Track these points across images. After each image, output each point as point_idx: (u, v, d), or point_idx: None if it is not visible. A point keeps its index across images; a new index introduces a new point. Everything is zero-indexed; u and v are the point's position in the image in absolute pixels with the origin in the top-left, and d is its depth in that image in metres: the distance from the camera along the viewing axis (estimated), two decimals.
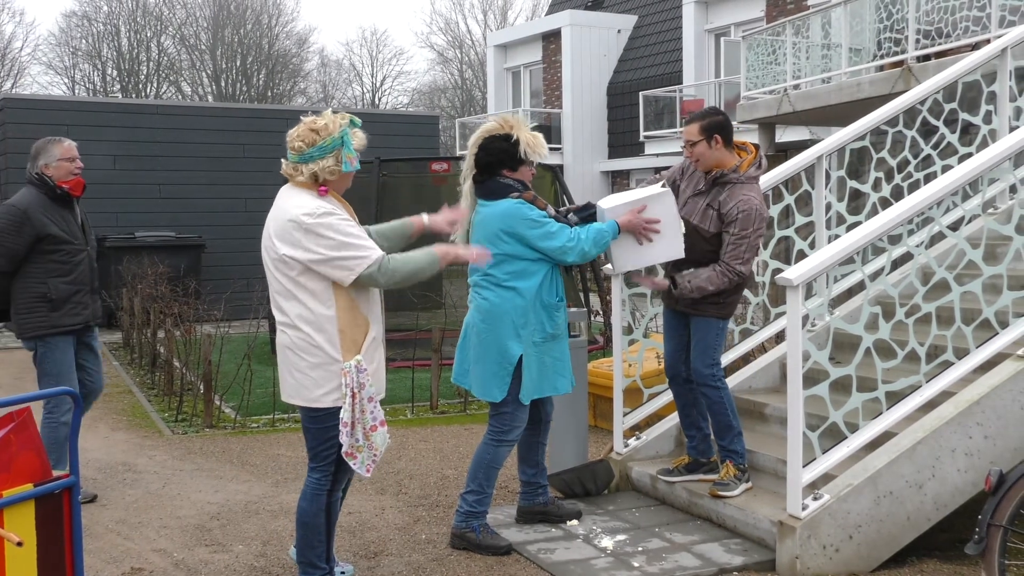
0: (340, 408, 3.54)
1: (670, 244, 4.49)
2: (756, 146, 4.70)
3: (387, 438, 3.63)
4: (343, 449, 3.57)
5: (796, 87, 12.43)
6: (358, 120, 3.66)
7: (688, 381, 4.86)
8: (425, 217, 3.95)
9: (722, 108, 19.83)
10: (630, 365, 5.78)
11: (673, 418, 5.38)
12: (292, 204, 3.55)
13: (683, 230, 4.53)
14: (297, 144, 3.58)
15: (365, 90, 48.32)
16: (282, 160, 3.67)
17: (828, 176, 5.80)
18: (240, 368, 7.88)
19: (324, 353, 3.54)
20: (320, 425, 3.62)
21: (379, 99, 47.64)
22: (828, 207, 5.85)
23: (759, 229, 4.52)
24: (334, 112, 3.65)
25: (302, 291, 3.53)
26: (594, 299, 11.02)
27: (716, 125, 4.57)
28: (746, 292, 5.65)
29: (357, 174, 3.76)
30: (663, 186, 4.64)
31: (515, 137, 4.30)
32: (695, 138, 4.58)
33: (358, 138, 3.63)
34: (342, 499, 3.89)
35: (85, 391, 5.46)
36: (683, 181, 4.84)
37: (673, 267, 4.71)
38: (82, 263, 5.22)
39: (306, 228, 3.47)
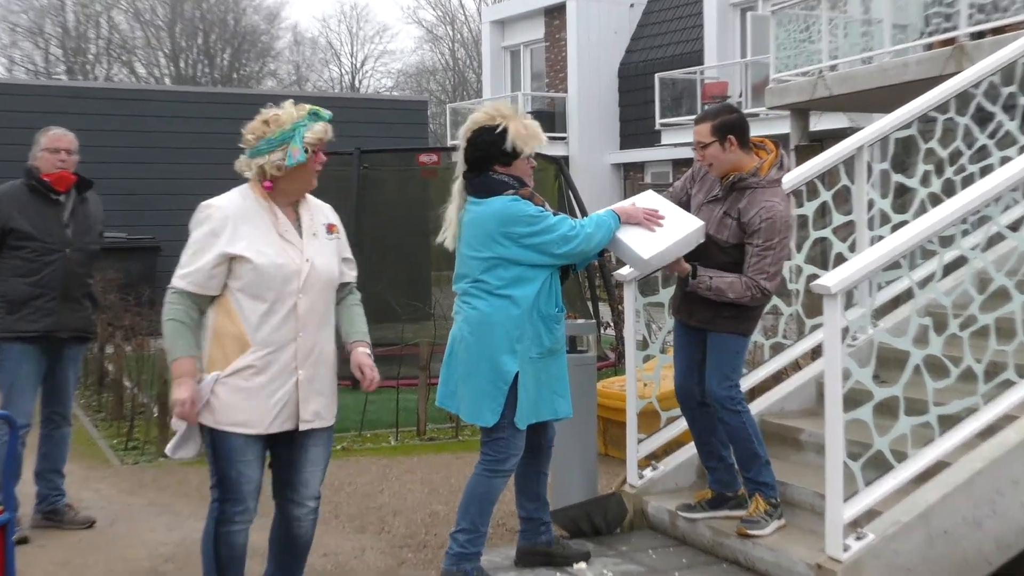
0: (209, 428, 3.67)
1: (684, 220, 4.54)
2: (776, 144, 4.71)
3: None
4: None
5: (833, 68, 12.43)
6: (326, 113, 3.73)
7: (703, 404, 4.85)
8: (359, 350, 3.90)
9: (749, 92, 20.01)
10: (645, 385, 5.76)
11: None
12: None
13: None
14: (248, 137, 3.72)
15: (344, 72, 48.46)
16: (241, 156, 3.78)
17: (870, 169, 5.80)
18: None
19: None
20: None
21: (360, 82, 47.76)
22: (870, 204, 5.84)
23: (785, 238, 4.56)
24: (296, 103, 3.74)
25: None
26: (604, 309, 11.00)
27: (729, 125, 4.58)
28: (777, 301, 5.64)
29: (334, 167, 3.78)
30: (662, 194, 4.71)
31: (501, 127, 4.30)
32: (706, 139, 4.60)
33: (315, 132, 3.69)
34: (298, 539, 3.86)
35: (46, 412, 5.49)
36: (695, 186, 4.86)
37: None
38: (53, 264, 5.27)
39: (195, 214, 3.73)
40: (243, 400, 3.63)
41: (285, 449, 3.78)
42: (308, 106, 3.74)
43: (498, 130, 4.32)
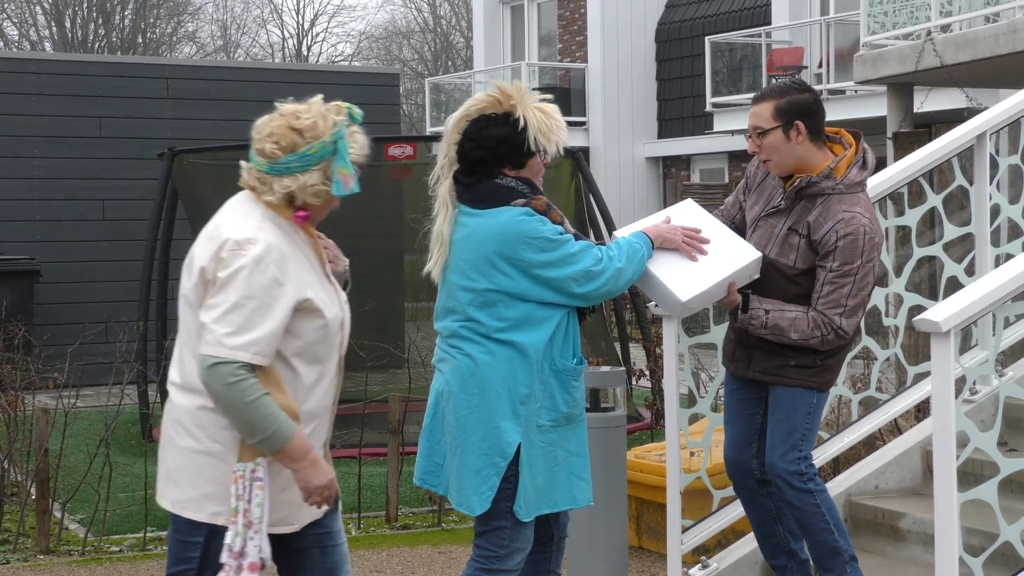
0: (220, 527, 3.56)
1: (735, 248, 4.57)
2: (856, 135, 4.75)
3: None
4: None
5: (946, 28, 12.48)
6: (358, 113, 3.72)
7: (763, 483, 4.88)
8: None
9: (831, 61, 20.03)
10: (693, 454, 5.77)
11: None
12: (230, 218, 3.63)
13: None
14: (269, 147, 3.61)
15: (287, 35, 48.65)
16: (241, 163, 3.72)
17: (995, 164, 5.81)
18: (94, 461, 7.86)
19: (209, 438, 3.59)
20: (183, 537, 3.65)
21: (309, 48, 47.95)
22: (995, 212, 5.87)
23: (870, 261, 4.57)
24: (325, 102, 3.68)
25: None
26: (636, 352, 11.01)
27: (799, 106, 4.62)
28: (870, 343, 5.67)
29: None
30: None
31: (519, 118, 4.30)
32: (767, 124, 4.63)
33: (357, 144, 3.68)
34: None
35: None
36: (750, 196, 4.89)
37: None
38: None
39: (223, 255, 3.53)
40: (283, 490, 3.60)
41: (301, 541, 3.78)
42: (342, 104, 3.70)
43: (514, 121, 4.29)
